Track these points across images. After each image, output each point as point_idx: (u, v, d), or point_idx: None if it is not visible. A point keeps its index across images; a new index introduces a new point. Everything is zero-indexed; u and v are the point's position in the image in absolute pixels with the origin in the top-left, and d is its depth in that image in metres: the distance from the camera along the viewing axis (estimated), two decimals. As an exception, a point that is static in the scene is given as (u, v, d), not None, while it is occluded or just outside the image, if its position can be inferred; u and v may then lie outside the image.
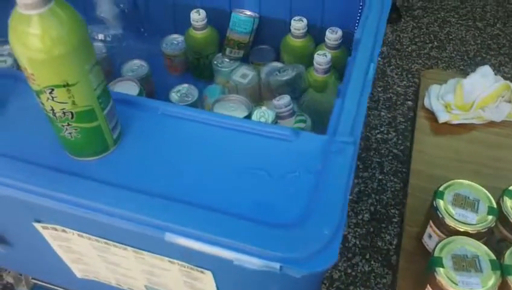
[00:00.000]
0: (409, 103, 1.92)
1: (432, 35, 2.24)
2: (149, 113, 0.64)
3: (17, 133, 0.62)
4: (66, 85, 0.49)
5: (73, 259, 0.71)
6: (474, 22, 2.32)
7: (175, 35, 1.08)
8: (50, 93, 0.50)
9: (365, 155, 1.67)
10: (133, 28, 1.07)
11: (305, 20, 0.98)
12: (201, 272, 0.60)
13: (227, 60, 1.04)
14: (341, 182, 0.54)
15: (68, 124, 0.53)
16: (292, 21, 0.99)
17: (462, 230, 0.63)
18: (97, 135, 0.56)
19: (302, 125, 0.84)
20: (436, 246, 0.61)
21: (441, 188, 0.66)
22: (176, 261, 0.60)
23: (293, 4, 1.02)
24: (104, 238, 0.62)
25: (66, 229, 0.62)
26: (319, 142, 0.59)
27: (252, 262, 0.49)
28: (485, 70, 0.88)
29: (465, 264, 0.60)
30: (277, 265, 0.48)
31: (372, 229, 1.52)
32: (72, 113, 0.52)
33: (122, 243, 0.61)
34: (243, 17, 1.03)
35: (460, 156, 0.81)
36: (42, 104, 0.52)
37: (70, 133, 0.54)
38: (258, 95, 1.02)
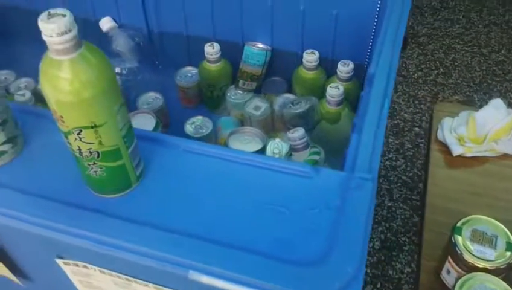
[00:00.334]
0: (416, 129, 1.93)
1: (437, 62, 2.27)
2: (170, 150, 0.65)
3: (40, 170, 0.64)
4: (94, 126, 0.51)
5: (92, 293, 0.71)
6: (479, 48, 2.34)
7: (189, 68, 1.10)
8: (78, 134, 0.51)
9: (374, 182, 1.68)
10: (148, 61, 1.10)
11: (317, 53, 1.00)
12: (223, 308, 0.60)
13: (240, 91, 1.06)
14: (361, 218, 0.55)
15: (94, 163, 0.54)
16: (304, 54, 1.01)
17: (481, 266, 0.63)
18: (121, 173, 0.57)
19: (316, 157, 0.85)
20: (456, 282, 0.61)
21: (458, 224, 0.66)
22: (196, 297, 0.61)
23: (305, 37, 1.04)
24: (126, 274, 0.62)
25: (88, 265, 0.63)
26: (338, 179, 0.60)
27: (276, 300, 0.49)
28: (497, 103, 0.89)
29: (485, 300, 0.60)
30: (301, 304, 0.49)
31: (383, 258, 1.51)
32: (98, 152, 0.53)
33: (144, 280, 0.61)
34: (256, 50, 1.06)
35: (474, 189, 0.82)
36: (69, 144, 0.53)
37: (95, 171, 0.55)
38: (271, 126, 1.03)
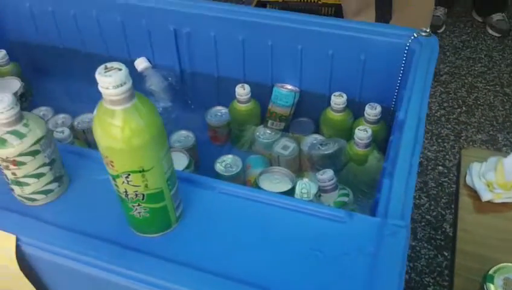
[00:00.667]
0: (440, 168, 1.93)
1: (460, 101, 2.28)
2: (207, 191, 0.67)
3: (84, 208, 0.66)
4: (142, 171, 0.53)
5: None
6: (501, 87, 2.35)
7: (219, 107, 1.14)
8: (126, 177, 0.54)
9: (397, 221, 1.67)
10: (180, 100, 1.14)
11: (344, 95, 1.03)
12: None
13: (269, 131, 1.08)
14: (396, 265, 0.56)
15: (138, 205, 0.57)
16: (332, 96, 1.04)
17: (513, 314, 0.64)
18: (163, 214, 0.59)
19: (345, 199, 0.87)
20: (488, 330, 0.61)
21: (490, 272, 0.67)
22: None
23: (333, 80, 1.07)
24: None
25: (126, 303, 0.65)
26: (372, 225, 0.61)
27: None
28: (525, 148, 0.90)
29: None
30: None
31: (406, 298, 1.49)
32: (143, 195, 0.56)
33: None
34: (284, 92, 1.09)
35: (504, 235, 0.82)
36: (116, 186, 0.56)
37: (139, 212, 0.58)
38: (298, 166, 1.05)
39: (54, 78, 1.27)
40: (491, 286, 0.65)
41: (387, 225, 0.61)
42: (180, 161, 0.94)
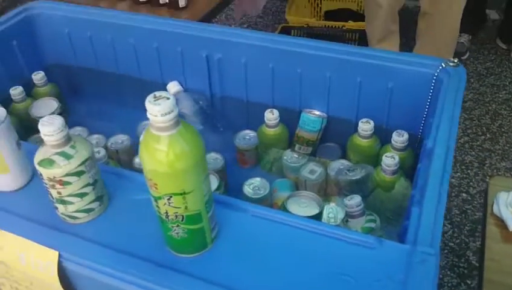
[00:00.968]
0: (464, 195, 1.92)
1: (484, 128, 2.27)
2: (240, 213, 0.70)
3: (122, 227, 0.69)
4: (183, 193, 0.56)
5: None
6: (526, 115, 2.34)
7: (247, 131, 1.17)
8: (168, 199, 0.57)
9: (420, 247, 1.66)
10: (209, 123, 1.17)
11: (372, 122, 1.05)
12: None
13: (296, 155, 1.10)
14: (426, 293, 0.57)
15: (178, 225, 0.60)
16: (360, 122, 1.06)
17: None
18: (200, 235, 0.62)
19: (372, 225, 0.88)
20: None
21: (519, 301, 0.67)
22: None
23: (360, 106, 1.09)
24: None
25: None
26: (401, 252, 0.63)
27: None
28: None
29: None
30: None
31: (429, 326, 1.48)
32: (183, 216, 0.59)
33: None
34: (312, 117, 1.11)
35: (532, 265, 0.82)
36: (158, 207, 0.59)
37: (177, 233, 0.60)
38: (325, 190, 1.07)
39: (89, 99, 1.32)
40: (520, 316, 0.66)
41: (416, 252, 0.62)
42: (211, 183, 0.96)
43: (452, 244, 1.73)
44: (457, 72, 0.96)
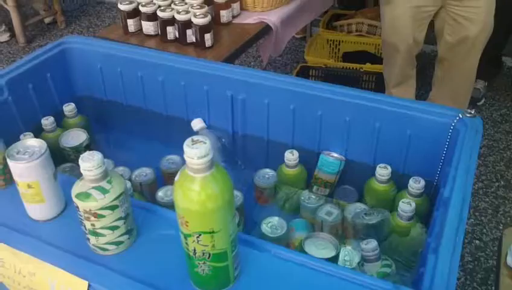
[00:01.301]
0: (477, 241, 1.92)
1: (498, 174, 2.28)
2: (262, 253, 0.73)
3: (150, 260, 0.72)
4: (212, 232, 0.59)
5: None
6: (541, 164, 2.34)
7: (267, 170, 1.20)
8: (197, 237, 0.60)
9: (432, 292, 1.66)
10: (230, 160, 1.21)
11: (389, 167, 1.08)
12: None
13: (313, 196, 1.13)
14: None
15: (204, 263, 0.63)
16: (377, 167, 1.09)
17: None
18: (224, 273, 0.64)
19: (388, 270, 0.90)
20: None
21: None
22: None
23: (378, 151, 1.12)
24: None
25: None
26: (418, 299, 0.65)
27: None
28: None
29: None
30: None
31: None
32: (209, 254, 0.62)
33: None
34: (331, 160, 1.14)
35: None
36: (186, 244, 0.62)
37: (203, 270, 0.63)
38: (341, 232, 1.09)
39: (116, 131, 1.37)
40: None
41: (433, 300, 0.64)
42: (231, 220, 0.99)
43: (464, 291, 1.72)
44: (474, 123, 0.99)
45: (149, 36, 1.65)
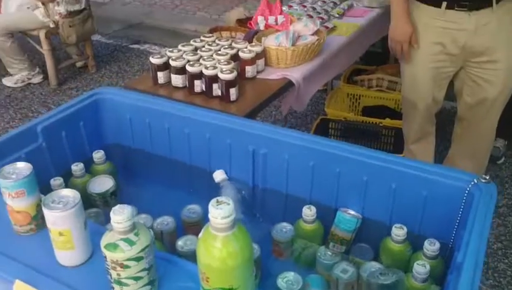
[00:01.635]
0: (496, 304, 1.88)
1: (518, 235, 2.26)
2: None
3: (169, 311, 0.75)
4: (231, 289, 0.63)
5: None
6: (563, 226, 2.31)
7: (284, 224, 1.23)
8: (217, 293, 0.63)
9: None
10: (249, 212, 1.24)
11: (405, 228, 1.10)
12: None
13: (329, 253, 1.15)
14: None
15: (222, 317, 0.65)
16: (393, 227, 1.11)
17: None
18: (241, 328, 0.67)
19: (401, 331, 0.91)
20: None
21: None
22: None
23: (394, 211, 1.15)
24: None
25: None
26: None
27: None
28: None
29: None
30: None
31: None
32: (228, 309, 0.64)
33: None
34: (348, 217, 1.17)
35: None
36: (206, 298, 0.65)
37: (221, 324, 0.66)
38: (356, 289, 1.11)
39: (140, 178, 1.43)
40: None
41: None
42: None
43: None
44: (488, 189, 1.01)
45: (177, 88, 1.73)
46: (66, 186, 1.25)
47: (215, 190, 1.27)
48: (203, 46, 1.83)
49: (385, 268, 1.07)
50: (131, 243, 0.70)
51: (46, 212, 0.77)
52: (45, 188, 1.14)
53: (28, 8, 3.36)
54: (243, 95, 1.70)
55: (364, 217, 1.18)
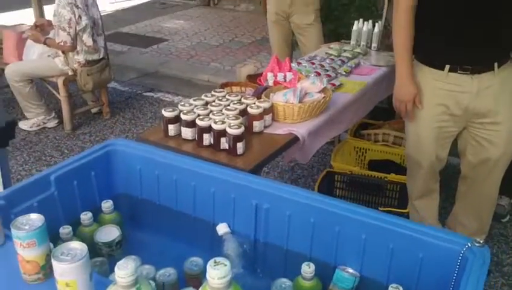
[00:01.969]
0: None
1: (524, 297, 2.23)
2: None
3: None
4: None
5: None
6: None
7: (284, 279, 1.25)
8: None
9: None
10: (250, 267, 1.27)
11: (401, 288, 1.12)
12: None
13: (328, 312, 1.17)
14: None
15: None
16: (390, 287, 1.13)
17: None
18: None
19: None
20: None
21: None
22: None
23: (391, 271, 1.17)
24: None
25: None
26: None
27: None
28: None
29: None
30: None
31: None
32: None
33: None
34: (346, 275, 1.20)
35: None
36: None
37: None
38: None
39: (146, 228, 1.47)
40: None
41: None
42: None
43: None
44: (481, 253, 1.04)
45: (186, 140, 1.80)
46: (74, 234, 1.29)
47: (218, 243, 1.31)
48: (214, 101, 1.92)
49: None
50: (133, 297, 0.74)
51: (54, 263, 0.81)
52: (54, 236, 1.19)
53: (49, 56, 3.51)
54: (250, 149, 1.75)
55: (362, 275, 1.21)
